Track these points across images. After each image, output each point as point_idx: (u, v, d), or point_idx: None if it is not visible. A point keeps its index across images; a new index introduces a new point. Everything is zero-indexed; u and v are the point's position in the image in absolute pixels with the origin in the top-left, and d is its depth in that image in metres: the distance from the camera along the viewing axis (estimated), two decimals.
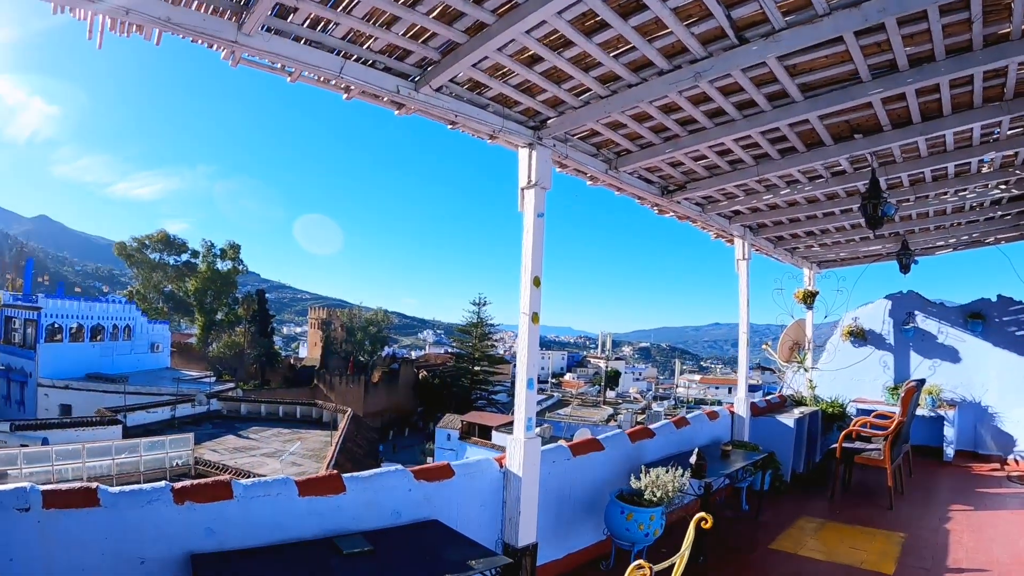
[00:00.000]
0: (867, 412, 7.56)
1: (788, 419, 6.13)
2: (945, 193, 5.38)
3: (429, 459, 48.02)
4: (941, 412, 7.47)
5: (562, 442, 4.08)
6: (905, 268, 6.87)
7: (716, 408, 6.10)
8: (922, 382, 6.11)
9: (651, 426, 4.96)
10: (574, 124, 3.49)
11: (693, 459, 4.05)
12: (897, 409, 7.35)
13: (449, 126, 3.61)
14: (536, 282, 3.46)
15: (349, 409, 27.85)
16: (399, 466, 3.26)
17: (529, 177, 3.54)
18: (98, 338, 35.47)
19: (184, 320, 60.38)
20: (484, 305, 73.82)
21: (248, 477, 17.61)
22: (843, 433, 5.66)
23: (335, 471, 3.05)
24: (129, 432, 21.61)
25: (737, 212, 6.00)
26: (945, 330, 8.17)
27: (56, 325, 32.79)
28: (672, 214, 5.76)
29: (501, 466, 3.53)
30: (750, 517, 5.10)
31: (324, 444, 23.50)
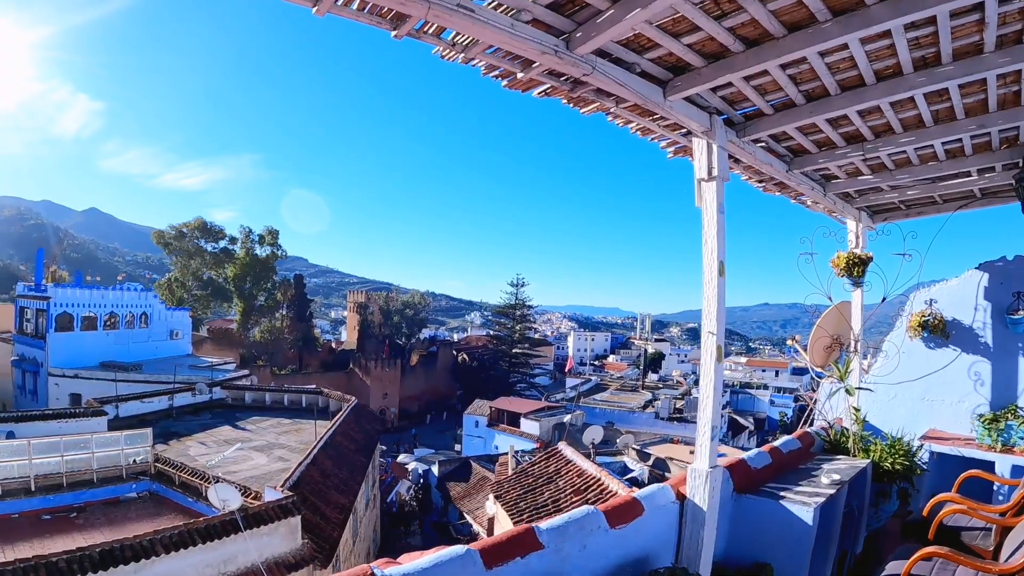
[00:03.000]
0: (948, 459, 4.35)
1: (803, 507, 3.04)
2: None
3: (458, 446, 46.11)
4: None
5: None
6: None
7: (643, 493, 2.89)
8: None
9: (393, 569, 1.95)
10: None
11: None
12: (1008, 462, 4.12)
13: None
14: None
15: (353, 398, 25.92)
16: None
17: None
18: (113, 326, 35.14)
19: (226, 306, 61.25)
20: (522, 286, 71.32)
21: (209, 480, 15.77)
22: (914, 559, 2.54)
23: None
24: (120, 423, 20.62)
25: (683, 65, 2.85)
26: None
27: (67, 314, 32.55)
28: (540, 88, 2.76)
29: None
30: None
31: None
